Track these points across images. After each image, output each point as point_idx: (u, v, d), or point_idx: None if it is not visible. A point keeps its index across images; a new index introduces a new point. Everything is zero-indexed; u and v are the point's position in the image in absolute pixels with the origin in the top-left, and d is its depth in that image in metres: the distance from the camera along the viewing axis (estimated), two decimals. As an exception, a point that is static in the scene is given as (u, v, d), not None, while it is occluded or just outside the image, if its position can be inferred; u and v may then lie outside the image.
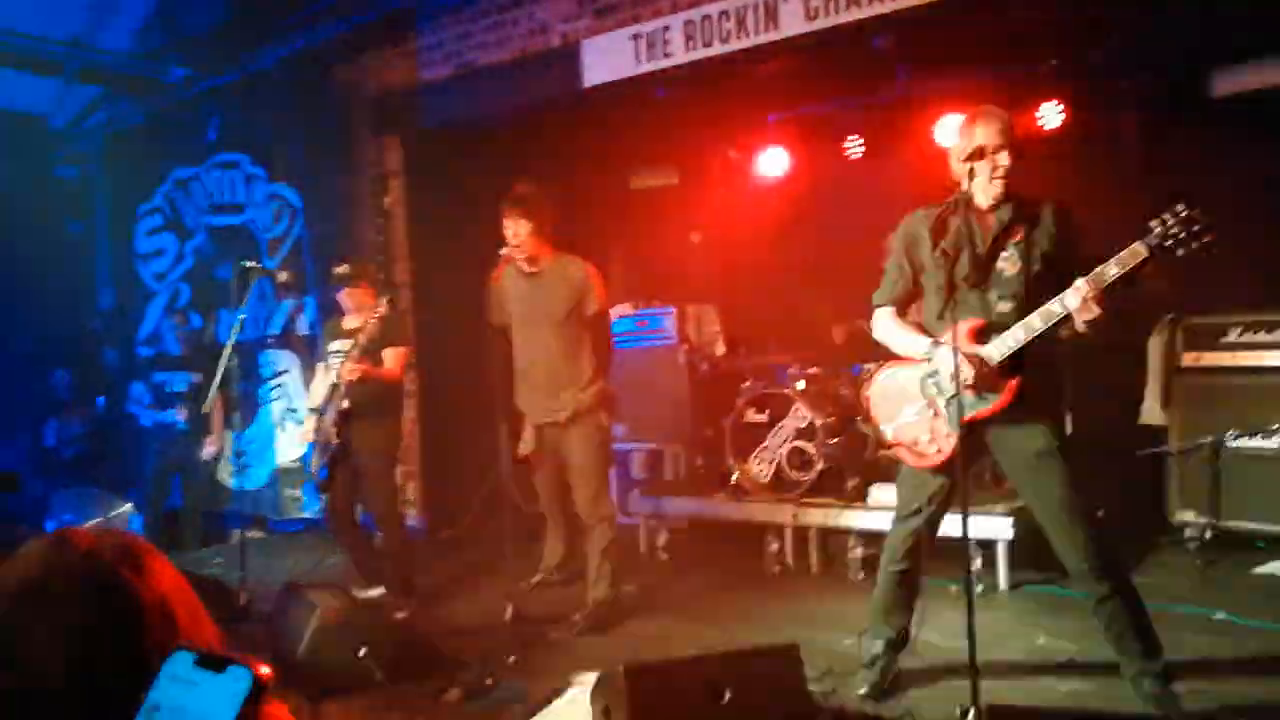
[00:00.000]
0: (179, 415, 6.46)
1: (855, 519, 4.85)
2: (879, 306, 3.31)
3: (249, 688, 0.67)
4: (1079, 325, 2.92)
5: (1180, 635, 3.47)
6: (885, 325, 3.29)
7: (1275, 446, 4.48)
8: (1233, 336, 4.77)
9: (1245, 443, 4.58)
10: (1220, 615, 3.85)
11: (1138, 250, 2.82)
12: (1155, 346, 5.11)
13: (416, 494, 6.67)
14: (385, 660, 3.60)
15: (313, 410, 4.78)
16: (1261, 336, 4.67)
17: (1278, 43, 5.25)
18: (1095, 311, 2.84)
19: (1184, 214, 2.78)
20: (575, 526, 4.57)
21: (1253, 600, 4.00)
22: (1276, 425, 4.48)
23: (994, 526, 4.43)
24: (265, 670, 0.68)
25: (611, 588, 4.28)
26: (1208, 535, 4.69)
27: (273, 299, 7.26)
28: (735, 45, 5.19)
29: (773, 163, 6.82)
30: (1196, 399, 4.85)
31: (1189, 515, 4.77)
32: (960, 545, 2.84)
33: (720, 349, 6.48)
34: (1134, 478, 5.03)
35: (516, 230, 4.23)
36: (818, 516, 4.98)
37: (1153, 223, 2.82)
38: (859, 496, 4.94)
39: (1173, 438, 4.89)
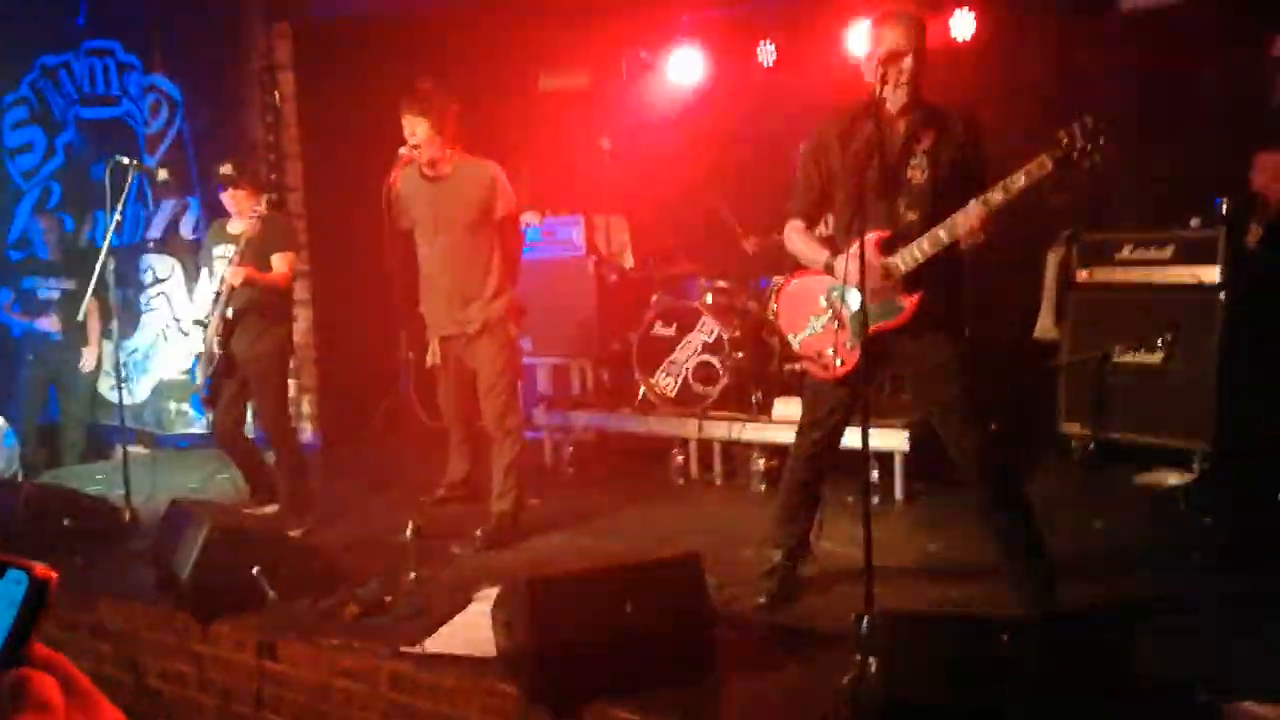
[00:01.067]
0: (51, 324, 6.06)
1: (759, 432, 4.89)
2: (790, 217, 3.25)
3: (26, 590, 0.63)
4: (962, 243, 2.93)
5: (1062, 542, 3.61)
6: (795, 237, 3.24)
7: (1158, 361, 4.65)
8: (1125, 253, 4.88)
9: (1130, 357, 4.74)
10: (1099, 524, 4.02)
11: (1044, 162, 2.81)
12: (1051, 262, 5.22)
13: (312, 408, 6.45)
14: (279, 578, 3.49)
15: (196, 322, 4.52)
16: (1153, 253, 4.79)
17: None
18: (979, 237, 2.84)
19: (1089, 125, 2.77)
20: (480, 441, 4.48)
21: (1130, 509, 4.19)
22: (1160, 340, 4.63)
23: (891, 439, 4.52)
24: (46, 571, 0.61)
25: (515, 502, 4.22)
26: (1091, 447, 4.88)
27: (152, 200, 6.80)
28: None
29: (686, 65, 6.63)
30: (1088, 314, 4.99)
31: (1074, 427, 4.95)
32: (860, 456, 2.86)
33: (629, 260, 6.38)
34: (1027, 390, 5.18)
35: (415, 130, 4.00)
36: (722, 430, 5.00)
37: (1060, 133, 2.80)
38: (763, 410, 4.97)
39: (1064, 352, 5.03)
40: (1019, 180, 2.82)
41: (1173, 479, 4.51)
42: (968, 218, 2.88)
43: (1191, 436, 4.53)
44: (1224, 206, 4.88)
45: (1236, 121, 5.25)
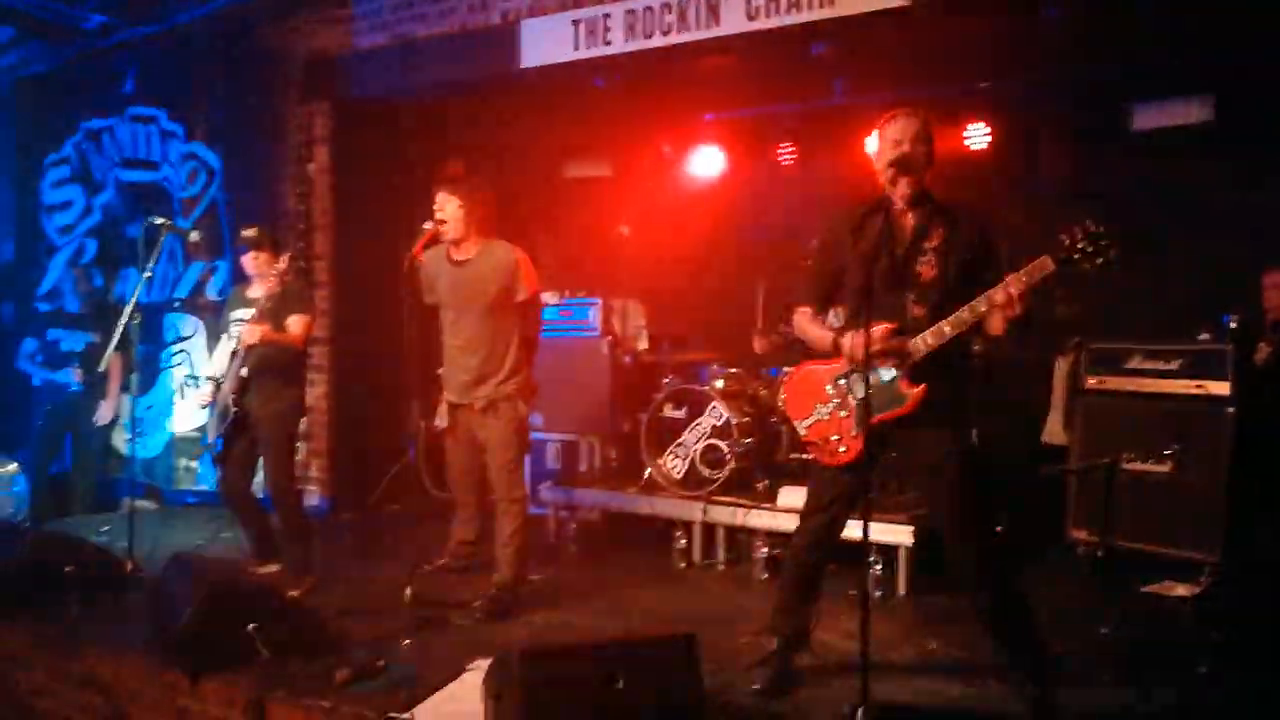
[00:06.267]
0: (73, 375, 6.18)
1: (763, 519, 4.87)
2: (800, 305, 3.33)
3: None
4: (997, 327, 2.97)
5: (1067, 647, 3.57)
6: (803, 323, 3.31)
7: (1167, 470, 4.64)
8: (1134, 362, 4.92)
9: (1139, 465, 4.74)
10: (1105, 630, 3.96)
11: (1045, 262, 2.88)
12: (1061, 368, 5.27)
13: (323, 472, 6.49)
14: (273, 638, 3.48)
15: (210, 379, 4.60)
16: (1160, 364, 4.83)
17: (1192, 83, 5.46)
18: (1015, 310, 2.88)
19: (1092, 230, 2.85)
20: (485, 511, 4.48)
21: (1137, 617, 4.13)
22: (1169, 450, 4.64)
23: (896, 534, 4.50)
24: None
25: (516, 573, 4.20)
26: (1100, 553, 4.84)
27: (183, 261, 6.98)
28: (675, 39, 5.19)
29: (706, 162, 6.84)
30: (1096, 420, 5.00)
31: (1083, 533, 4.92)
32: (862, 548, 2.86)
33: (643, 343, 6.46)
34: (1034, 494, 5.17)
35: (444, 206, 4.14)
36: (726, 515, 4.99)
37: (1062, 235, 2.88)
38: (768, 497, 4.96)
39: (1072, 457, 5.03)
40: (1020, 279, 2.89)
41: (1180, 589, 4.45)
42: (974, 312, 2.95)
43: (1200, 548, 4.49)
44: (1233, 322, 4.94)
45: (1247, 240, 5.35)
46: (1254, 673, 3.51)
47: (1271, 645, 3.69)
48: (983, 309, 2.93)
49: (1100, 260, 2.83)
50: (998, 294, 2.89)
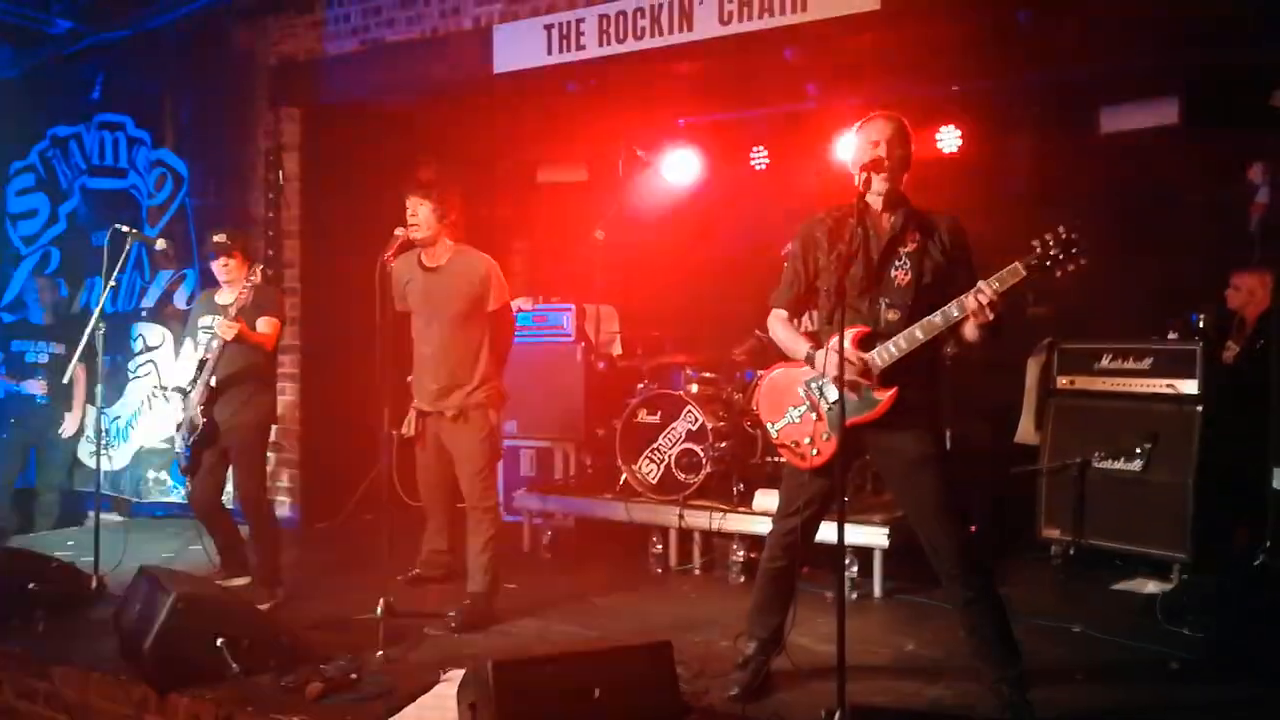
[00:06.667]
0: (37, 388, 6.07)
1: (739, 523, 4.87)
2: (774, 307, 3.32)
3: None
4: (970, 333, 2.98)
5: (1039, 646, 3.59)
6: (777, 326, 3.31)
7: (1136, 469, 4.69)
8: (1105, 362, 4.97)
9: (1110, 465, 4.78)
10: (1078, 628, 3.99)
11: (1017, 269, 2.90)
12: (1033, 368, 5.31)
13: (294, 482, 6.41)
14: (242, 652, 3.42)
15: (178, 389, 4.53)
16: (1130, 364, 4.88)
17: (1158, 86, 5.53)
18: (986, 317, 2.89)
19: (1063, 236, 2.86)
20: (457, 519, 4.45)
21: (1109, 615, 4.16)
22: (1139, 449, 4.69)
23: (871, 536, 4.51)
24: None
25: (490, 583, 4.17)
26: (1071, 552, 4.88)
27: (149, 270, 6.88)
28: (648, 43, 5.18)
29: (680, 166, 6.83)
30: (1067, 420, 5.05)
31: (1055, 532, 4.96)
32: (836, 550, 2.86)
33: (618, 349, 6.45)
34: (1006, 494, 5.20)
35: (417, 211, 4.10)
36: (702, 519, 4.98)
37: (1034, 242, 2.90)
38: (744, 501, 4.96)
39: (1043, 457, 5.07)
40: (993, 284, 2.90)
41: (1150, 587, 4.50)
42: (946, 318, 2.96)
43: (1169, 546, 4.54)
44: (1200, 321, 5.01)
45: (1214, 240, 5.43)
46: (1224, 670, 3.54)
47: (1242, 642, 3.72)
48: (955, 315, 2.94)
49: (1071, 267, 2.84)
50: (970, 300, 2.90)
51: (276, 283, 6.17)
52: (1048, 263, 2.87)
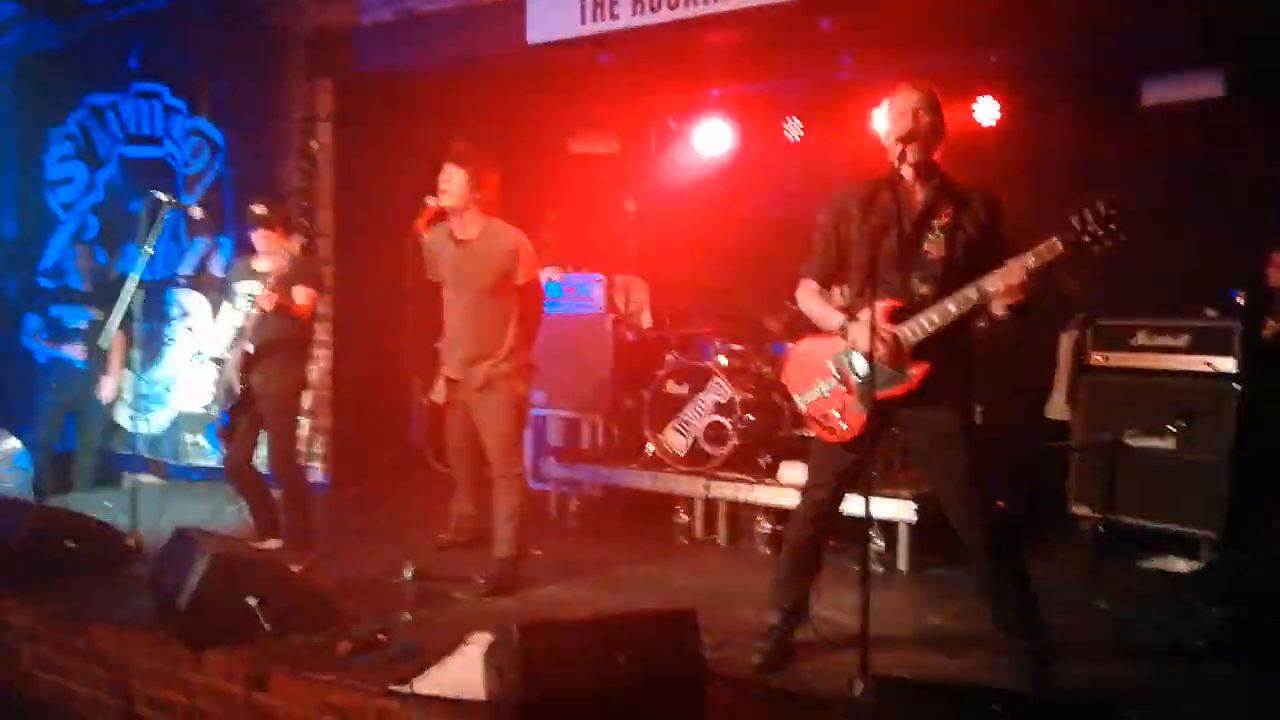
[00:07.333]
0: (77, 353, 6.19)
1: (765, 495, 4.88)
2: (805, 278, 3.30)
3: None
4: (999, 310, 2.95)
5: (1065, 622, 3.57)
6: (808, 297, 3.28)
7: (1169, 447, 4.63)
8: (1139, 339, 4.90)
9: (1142, 441, 4.72)
10: (1104, 605, 3.97)
11: (1055, 244, 2.85)
12: (1065, 344, 5.23)
13: (326, 448, 6.50)
14: (274, 612, 3.49)
15: (216, 359, 4.60)
16: (1166, 340, 4.81)
17: (1203, 58, 5.39)
18: (1018, 296, 2.86)
19: (1102, 211, 2.81)
20: (485, 486, 4.49)
21: (1137, 593, 4.13)
22: (1172, 426, 4.62)
23: (898, 509, 4.50)
24: None
25: (516, 549, 4.21)
26: (1101, 529, 4.83)
27: (186, 238, 6.97)
28: (682, 13, 5.14)
29: (713, 137, 6.78)
30: (1100, 397, 4.99)
31: (1084, 509, 4.91)
32: (863, 524, 2.86)
33: (647, 320, 6.44)
34: (1036, 470, 5.16)
35: (451, 178, 4.10)
36: (729, 491, 4.99)
37: (1072, 217, 2.84)
38: (770, 473, 4.96)
39: (1075, 433, 5.02)
40: (1029, 261, 2.86)
41: (1180, 565, 4.46)
42: (980, 293, 2.92)
43: (1201, 524, 4.49)
44: (1240, 299, 4.91)
45: (1257, 217, 5.30)
46: (1253, 649, 3.51)
47: (1271, 622, 3.68)
48: (989, 289, 2.90)
49: (1110, 243, 2.79)
50: (1006, 275, 2.86)
51: (313, 253, 6.23)
52: (1085, 238, 2.82)
